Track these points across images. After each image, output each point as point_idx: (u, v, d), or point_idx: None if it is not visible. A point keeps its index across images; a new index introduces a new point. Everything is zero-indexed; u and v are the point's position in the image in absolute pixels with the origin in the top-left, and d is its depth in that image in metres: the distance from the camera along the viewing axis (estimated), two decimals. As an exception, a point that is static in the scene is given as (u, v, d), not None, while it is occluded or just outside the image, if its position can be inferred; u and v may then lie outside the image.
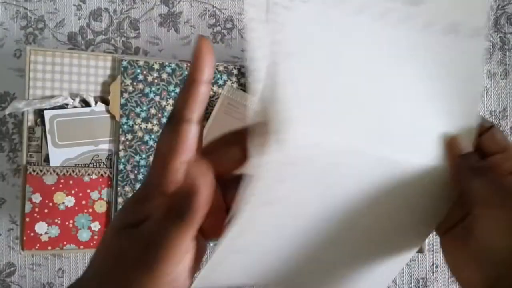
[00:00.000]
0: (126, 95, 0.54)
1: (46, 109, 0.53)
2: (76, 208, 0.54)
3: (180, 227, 0.22)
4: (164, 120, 0.55)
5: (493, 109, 0.61)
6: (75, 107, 0.54)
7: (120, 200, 0.54)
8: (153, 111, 0.55)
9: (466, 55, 0.27)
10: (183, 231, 0.22)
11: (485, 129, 0.29)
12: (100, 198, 0.55)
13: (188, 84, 0.23)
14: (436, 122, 0.27)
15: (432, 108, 0.27)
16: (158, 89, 0.55)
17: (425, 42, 0.26)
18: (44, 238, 0.54)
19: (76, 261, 0.60)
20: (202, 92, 0.23)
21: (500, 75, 0.61)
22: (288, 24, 0.23)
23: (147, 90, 0.55)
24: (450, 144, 0.28)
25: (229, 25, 0.62)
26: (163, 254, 0.22)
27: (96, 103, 0.55)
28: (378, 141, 0.25)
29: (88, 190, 0.54)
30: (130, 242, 0.22)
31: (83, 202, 0.54)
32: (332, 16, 0.24)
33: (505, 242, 0.26)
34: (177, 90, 0.56)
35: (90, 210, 0.54)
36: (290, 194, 0.23)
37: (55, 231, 0.54)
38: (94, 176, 0.55)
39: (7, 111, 0.54)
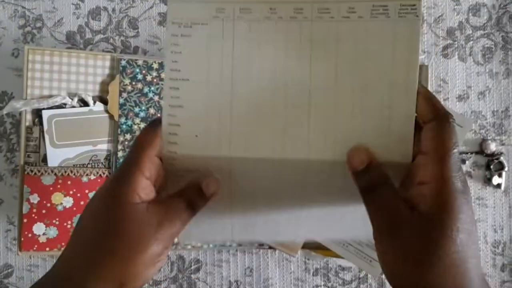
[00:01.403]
0: (125, 94, 0.54)
1: (44, 108, 0.53)
2: (75, 208, 0.54)
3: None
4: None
5: (495, 109, 0.60)
6: (73, 106, 0.54)
7: (118, 200, 0.53)
8: (152, 110, 0.54)
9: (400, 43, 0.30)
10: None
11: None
12: (98, 199, 0.54)
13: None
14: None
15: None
16: (157, 88, 0.55)
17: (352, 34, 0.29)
18: (42, 239, 0.53)
19: (75, 262, 0.60)
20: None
21: (502, 75, 0.61)
22: (186, 51, 0.30)
23: (146, 89, 0.54)
24: (349, 156, 0.28)
25: (229, 24, 0.61)
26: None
27: (94, 102, 0.54)
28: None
29: (87, 191, 0.54)
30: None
31: (82, 202, 0.54)
32: (238, 29, 0.30)
33: (398, 269, 0.25)
34: (177, 89, 0.55)
35: (89, 210, 0.54)
36: None
37: (53, 232, 0.53)
38: (92, 177, 0.54)
39: (5, 111, 0.53)
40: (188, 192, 0.30)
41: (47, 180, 0.53)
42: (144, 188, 0.29)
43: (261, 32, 0.30)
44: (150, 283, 0.60)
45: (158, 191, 0.31)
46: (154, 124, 0.31)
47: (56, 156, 0.53)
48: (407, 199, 0.26)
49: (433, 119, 0.26)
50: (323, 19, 0.29)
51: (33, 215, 0.53)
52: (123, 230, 0.28)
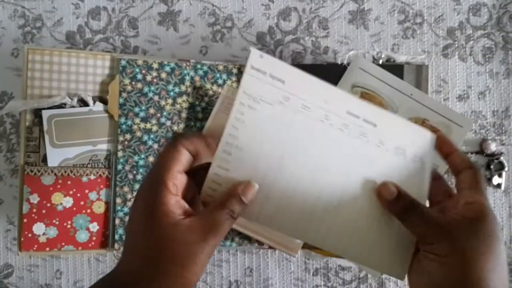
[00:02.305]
0: (124, 94, 0.54)
1: (44, 108, 0.53)
2: (74, 208, 0.54)
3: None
4: (163, 119, 0.55)
5: (495, 109, 0.60)
6: (73, 106, 0.54)
7: (118, 200, 0.53)
8: (152, 110, 0.54)
9: (412, 176, 0.36)
10: None
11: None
12: (98, 199, 0.54)
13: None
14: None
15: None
16: (157, 88, 0.54)
17: (381, 157, 0.36)
18: (42, 239, 0.53)
19: (74, 262, 0.60)
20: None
21: (503, 75, 0.61)
22: (248, 122, 0.35)
23: (146, 89, 0.54)
24: (380, 191, 0.35)
25: (229, 24, 0.61)
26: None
27: (94, 102, 0.54)
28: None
29: (87, 191, 0.54)
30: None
31: (81, 202, 0.54)
32: (296, 120, 0.35)
33: (441, 275, 0.30)
34: (176, 89, 0.55)
35: (88, 210, 0.54)
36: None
37: (53, 232, 0.53)
38: (92, 177, 0.54)
39: (4, 111, 0.53)
40: (229, 203, 0.32)
41: (47, 180, 0.53)
42: (175, 204, 0.31)
43: (313, 131, 0.36)
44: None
45: (189, 203, 0.33)
46: (175, 142, 0.32)
47: (56, 156, 0.53)
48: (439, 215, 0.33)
49: (469, 168, 0.35)
50: (361, 140, 0.37)
51: (33, 215, 0.53)
52: (170, 251, 0.30)
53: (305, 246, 0.55)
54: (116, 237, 0.54)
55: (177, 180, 0.32)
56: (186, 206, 0.32)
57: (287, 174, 0.36)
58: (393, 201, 0.34)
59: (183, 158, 0.32)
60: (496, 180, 0.59)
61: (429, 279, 0.31)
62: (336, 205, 0.36)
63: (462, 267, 0.30)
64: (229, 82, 0.56)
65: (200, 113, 0.55)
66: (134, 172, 0.54)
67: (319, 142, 0.36)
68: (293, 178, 0.36)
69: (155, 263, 0.30)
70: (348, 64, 0.56)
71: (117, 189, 0.53)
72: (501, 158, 0.59)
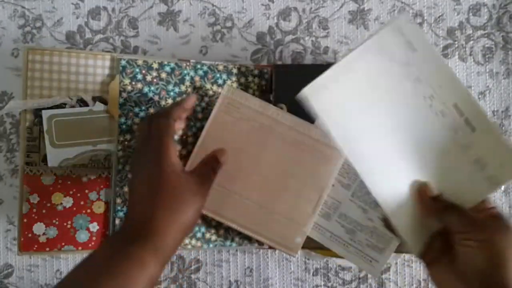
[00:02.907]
0: (124, 94, 0.54)
1: (44, 108, 0.53)
2: (74, 208, 0.54)
3: None
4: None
5: (495, 109, 0.60)
6: (73, 106, 0.54)
7: (118, 200, 0.53)
8: (152, 110, 0.54)
9: (474, 186, 0.40)
10: None
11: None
12: (98, 199, 0.54)
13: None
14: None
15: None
16: (157, 88, 0.54)
17: (457, 157, 0.40)
18: (42, 239, 0.53)
19: (74, 262, 0.60)
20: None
21: (503, 75, 0.61)
22: (364, 61, 0.40)
23: (146, 89, 0.54)
24: (420, 189, 0.40)
25: (229, 24, 0.61)
26: None
27: (94, 102, 0.54)
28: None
29: (86, 191, 0.54)
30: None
31: (81, 202, 0.54)
32: (403, 84, 0.40)
33: (480, 257, 0.36)
34: (176, 89, 0.55)
35: (89, 210, 0.54)
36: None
37: (53, 232, 0.53)
38: (92, 177, 0.54)
39: (4, 111, 0.53)
40: (210, 161, 0.45)
41: (47, 180, 0.53)
42: (176, 158, 0.41)
43: (412, 102, 0.40)
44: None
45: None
46: (163, 115, 0.43)
47: (56, 156, 0.53)
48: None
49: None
50: (449, 133, 0.41)
51: (33, 215, 0.53)
52: (172, 196, 0.39)
53: (305, 246, 0.55)
54: (116, 237, 0.54)
55: (172, 143, 0.41)
56: (179, 161, 0.41)
57: (373, 117, 0.40)
58: (432, 200, 0.40)
59: (175, 126, 0.43)
60: (496, 180, 0.59)
61: (466, 261, 0.37)
62: (394, 167, 0.40)
63: (498, 246, 0.36)
64: (229, 82, 0.56)
65: (200, 113, 0.55)
66: (134, 172, 0.54)
67: (411, 112, 0.40)
68: (375, 123, 0.40)
69: (156, 205, 0.39)
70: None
71: (117, 189, 0.53)
72: (501, 158, 0.59)
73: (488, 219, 0.39)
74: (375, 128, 0.40)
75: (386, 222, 0.43)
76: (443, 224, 0.40)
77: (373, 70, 0.39)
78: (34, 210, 0.53)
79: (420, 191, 0.41)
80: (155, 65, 0.54)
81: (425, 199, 0.40)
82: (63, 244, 0.54)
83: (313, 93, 0.39)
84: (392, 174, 0.40)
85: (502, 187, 0.46)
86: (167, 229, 0.38)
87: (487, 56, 0.61)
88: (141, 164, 0.41)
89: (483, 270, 0.36)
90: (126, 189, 0.54)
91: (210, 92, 0.56)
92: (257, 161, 0.50)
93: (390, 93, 0.40)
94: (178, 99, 0.55)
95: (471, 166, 0.40)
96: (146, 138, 0.42)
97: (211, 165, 0.44)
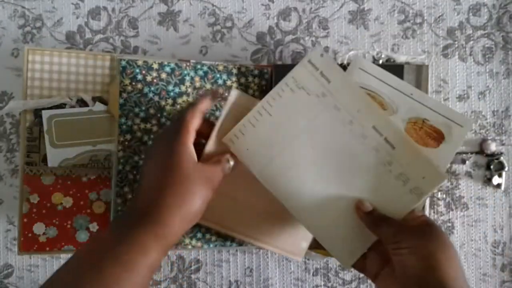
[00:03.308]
0: (125, 95, 0.54)
1: (44, 109, 0.53)
2: (74, 208, 0.54)
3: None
4: (163, 120, 0.55)
5: (495, 109, 0.60)
6: (73, 107, 0.54)
7: (119, 201, 0.53)
8: (152, 111, 0.54)
9: (400, 201, 0.43)
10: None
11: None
12: (98, 199, 0.54)
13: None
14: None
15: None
16: (157, 89, 0.54)
17: (382, 174, 0.43)
18: (42, 239, 0.53)
19: (75, 262, 0.60)
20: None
21: (503, 75, 0.61)
22: (284, 99, 0.44)
23: (146, 90, 0.54)
24: (357, 205, 0.44)
25: (229, 24, 0.61)
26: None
27: (94, 103, 0.54)
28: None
29: (86, 191, 0.54)
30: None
31: (81, 202, 0.54)
32: (323, 114, 0.44)
33: (413, 262, 0.38)
34: (177, 89, 0.55)
35: (88, 210, 0.54)
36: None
37: (53, 232, 0.53)
38: (92, 177, 0.54)
39: (4, 111, 0.53)
40: (223, 161, 0.45)
41: (47, 180, 0.53)
42: (192, 148, 0.42)
43: (334, 130, 0.43)
44: (151, 283, 0.60)
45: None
46: (192, 107, 0.44)
47: (56, 156, 0.53)
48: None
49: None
50: (372, 153, 0.44)
51: (33, 215, 0.53)
52: (182, 184, 0.40)
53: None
54: (116, 237, 0.54)
55: (193, 133, 0.42)
56: (195, 153, 0.42)
57: (296, 150, 0.43)
58: (366, 214, 0.43)
59: (197, 122, 0.43)
60: (496, 180, 0.59)
61: (402, 269, 0.39)
62: (323, 193, 0.44)
63: (428, 249, 0.38)
64: (234, 85, 0.56)
65: (200, 113, 0.56)
66: (134, 172, 0.54)
67: (334, 139, 0.43)
68: (299, 155, 0.43)
69: (165, 191, 0.39)
70: (348, 64, 0.56)
71: (117, 189, 0.53)
72: (501, 158, 0.59)
73: (416, 226, 0.41)
74: (299, 160, 0.43)
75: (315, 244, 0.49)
76: (378, 236, 0.43)
77: (291, 107, 0.43)
78: (34, 210, 0.53)
79: (357, 208, 0.44)
80: (155, 66, 0.54)
81: (361, 215, 0.43)
82: (63, 244, 0.54)
83: (231, 141, 0.44)
84: (322, 198, 0.44)
85: (427, 198, 0.47)
86: (172, 217, 0.38)
87: (487, 56, 0.61)
88: (160, 146, 0.42)
89: (418, 275, 0.38)
90: (126, 189, 0.54)
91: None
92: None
93: (311, 124, 0.43)
94: (178, 99, 0.55)
95: (396, 181, 0.43)
96: (170, 126, 0.44)
97: (223, 164, 0.44)
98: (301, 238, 0.51)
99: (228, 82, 0.56)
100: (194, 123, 0.42)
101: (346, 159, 0.43)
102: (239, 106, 0.47)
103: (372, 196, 0.44)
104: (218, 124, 0.47)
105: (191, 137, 0.42)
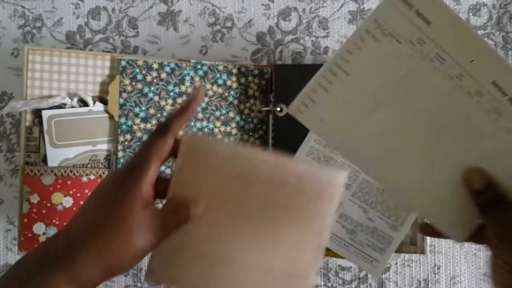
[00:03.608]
0: (125, 95, 0.54)
1: (44, 109, 0.53)
2: (74, 208, 0.54)
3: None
4: (163, 120, 0.55)
5: (495, 109, 0.60)
6: (73, 107, 0.54)
7: (118, 200, 0.53)
8: (152, 111, 0.54)
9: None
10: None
11: None
12: (98, 199, 0.54)
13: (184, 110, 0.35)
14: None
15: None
16: (157, 88, 0.54)
17: (498, 140, 0.34)
18: (42, 239, 0.53)
19: (75, 262, 0.60)
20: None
21: (503, 75, 0.61)
22: (365, 50, 0.33)
23: (146, 89, 0.54)
24: (467, 176, 0.34)
25: (229, 24, 0.61)
26: None
27: (94, 103, 0.54)
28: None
29: (86, 191, 0.54)
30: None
31: (81, 202, 0.54)
32: (420, 68, 0.33)
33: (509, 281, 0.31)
34: (176, 89, 0.55)
35: (89, 211, 0.54)
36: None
37: (53, 232, 0.53)
38: (92, 177, 0.54)
39: (4, 111, 0.53)
40: (180, 212, 0.35)
41: (47, 180, 0.53)
42: (147, 191, 0.33)
43: (436, 86, 0.33)
44: (151, 284, 0.60)
45: (155, 195, 0.35)
46: (164, 134, 0.34)
47: (56, 156, 0.53)
48: None
49: None
50: (490, 117, 0.33)
51: (33, 215, 0.53)
52: (121, 230, 0.33)
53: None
54: (116, 237, 0.54)
55: (156, 171, 0.34)
56: (152, 195, 0.34)
57: (386, 114, 0.34)
58: (478, 192, 0.33)
59: (167, 151, 0.35)
60: (496, 180, 0.59)
61: (501, 283, 0.32)
62: (425, 164, 0.35)
63: None
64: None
65: (200, 113, 0.56)
66: (134, 172, 0.54)
67: (437, 99, 0.33)
68: (390, 120, 0.34)
69: (95, 233, 0.33)
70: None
71: (117, 189, 0.53)
72: (501, 158, 0.59)
73: None
74: (392, 126, 0.34)
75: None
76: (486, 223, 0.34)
77: (375, 61, 0.33)
78: (34, 210, 0.53)
79: (464, 181, 0.34)
80: (155, 66, 0.54)
81: (469, 192, 0.34)
82: (63, 244, 0.54)
83: (298, 112, 0.35)
84: (424, 169, 0.35)
85: None
86: (92, 265, 0.33)
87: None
88: (114, 177, 0.35)
89: None
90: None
91: (210, 93, 0.56)
92: (240, 216, 0.39)
93: (404, 80, 0.34)
94: (178, 99, 0.55)
95: None
96: (136, 153, 0.35)
97: (180, 213, 0.36)
98: None
99: (228, 82, 0.56)
100: (162, 153, 0.34)
101: (454, 123, 0.34)
102: (194, 150, 0.37)
103: (493, 170, 0.34)
104: (177, 168, 0.37)
105: (152, 173, 0.34)
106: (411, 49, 0.33)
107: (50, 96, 0.53)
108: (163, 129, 0.34)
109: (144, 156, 0.34)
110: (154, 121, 0.54)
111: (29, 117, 0.53)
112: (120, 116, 0.54)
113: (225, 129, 0.56)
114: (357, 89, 0.34)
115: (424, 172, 0.35)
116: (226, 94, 0.56)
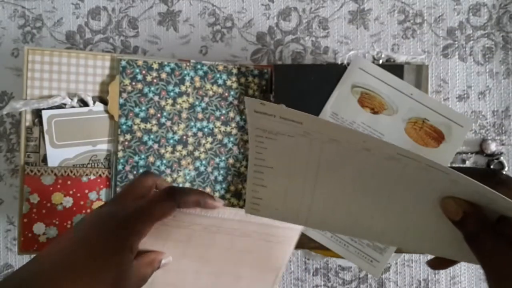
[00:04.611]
0: (125, 95, 0.54)
1: (44, 109, 0.53)
2: (74, 208, 0.54)
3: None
4: (163, 120, 0.55)
5: (495, 109, 0.60)
6: (73, 107, 0.54)
7: (118, 200, 0.53)
8: (152, 111, 0.54)
9: None
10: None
11: None
12: (98, 199, 0.54)
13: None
14: None
15: None
16: (157, 88, 0.54)
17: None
18: (42, 239, 0.53)
19: (75, 262, 0.60)
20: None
21: (503, 74, 0.61)
22: (270, 148, 0.33)
23: (146, 90, 0.54)
24: (444, 206, 0.31)
25: (228, 24, 0.61)
26: None
27: (94, 103, 0.54)
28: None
29: (86, 191, 0.54)
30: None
31: (81, 202, 0.54)
32: (326, 148, 0.33)
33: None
34: (177, 89, 0.55)
35: (88, 210, 0.54)
36: None
37: (53, 232, 0.53)
38: (92, 177, 0.54)
39: (4, 111, 0.53)
40: (155, 262, 0.37)
41: (47, 180, 0.53)
42: (134, 249, 0.34)
43: (350, 156, 0.32)
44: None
45: None
46: (175, 202, 0.35)
47: (56, 156, 0.53)
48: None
49: None
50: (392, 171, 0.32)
51: (33, 215, 0.53)
52: (115, 277, 0.33)
53: (305, 246, 0.55)
54: (116, 237, 0.54)
55: (148, 229, 0.34)
56: (137, 249, 0.34)
57: (326, 184, 0.34)
58: (457, 222, 0.30)
59: (167, 217, 0.35)
60: (496, 180, 0.59)
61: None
62: (391, 208, 0.34)
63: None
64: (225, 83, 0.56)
65: (200, 113, 0.56)
66: (134, 172, 0.54)
67: (361, 166, 0.33)
68: (333, 186, 0.34)
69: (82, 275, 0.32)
70: (348, 64, 0.56)
71: (117, 189, 0.53)
72: (501, 158, 0.59)
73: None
74: (340, 193, 0.35)
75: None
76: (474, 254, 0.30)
77: (285, 152, 0.34)
78: (34, 210, 0.53)
79: (444, 210, 0.31)
80: (155, 66, 0.54)
81: (452, 220, 0.31)
82: (63, 244, 0.54)
83: (255, 211, 0.37)
84: (391, 214, 0.34)
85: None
86: None
87: (487, 56, 0.61)
88: (108, 217, 0.35)
89: None
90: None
91: (210, 93, 0.56)
92: (203, 262, 0.43)
93: (321, 158, 0.33)
94: (178, 99, 0.55)
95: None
96: (139, 205, 0.35)
97: (155, 265, 0.37)
98: None
99: (228, 82, 0.56)
100: (164, 217, 0.35)
101: (397, 175, 0.32)
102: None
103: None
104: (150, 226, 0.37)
105: (149, 230, 0.34)
106: (308, 138, 0.32)
107: (50, 96, 0.53)
108: (176, 197, 0.35)
109: (150, 213, 0.34)
110: (154, 121, 0.54)
111: (29, 117, 0.53)
112: (120, 116, 0.54)
113: (225, 129, 0.56)
114: (288, 175, 0.35)
115: (399, 217, 0.34)
116: (226, 94, 0.56)
